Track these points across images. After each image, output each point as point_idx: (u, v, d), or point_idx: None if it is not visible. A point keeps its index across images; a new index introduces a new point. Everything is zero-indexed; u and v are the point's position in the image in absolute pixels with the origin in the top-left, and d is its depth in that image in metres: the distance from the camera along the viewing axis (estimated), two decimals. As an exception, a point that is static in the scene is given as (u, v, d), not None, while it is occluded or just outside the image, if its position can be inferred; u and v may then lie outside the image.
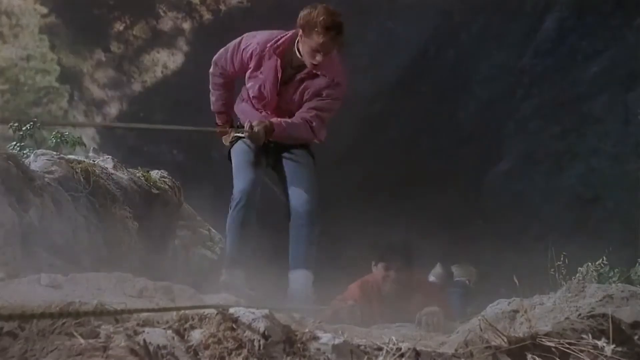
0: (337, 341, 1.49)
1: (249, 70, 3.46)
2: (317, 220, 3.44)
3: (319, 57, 3.25)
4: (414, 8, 12.27)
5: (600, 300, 2.17)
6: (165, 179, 4.59)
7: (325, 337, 1.50)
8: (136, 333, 1.40)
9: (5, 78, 12.23)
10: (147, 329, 1.42)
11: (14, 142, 3.77)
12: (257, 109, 3.52)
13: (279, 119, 3.37)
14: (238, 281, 3.32)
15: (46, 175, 3.24)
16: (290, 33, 3.37)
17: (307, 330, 1.55)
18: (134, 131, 12.94)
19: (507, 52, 11.41)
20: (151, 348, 1.36)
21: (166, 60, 13.64)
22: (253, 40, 3.44)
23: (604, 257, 2.83)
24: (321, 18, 3.15)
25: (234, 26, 13.17)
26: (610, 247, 3.03)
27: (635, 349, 1.61)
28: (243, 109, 3.61)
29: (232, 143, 3.59)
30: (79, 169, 3.51)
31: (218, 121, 3.80)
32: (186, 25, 13.74)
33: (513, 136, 11.00)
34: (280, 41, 3.36)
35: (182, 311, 1.51)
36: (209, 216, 5.59)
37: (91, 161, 3.87)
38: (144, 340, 1.37)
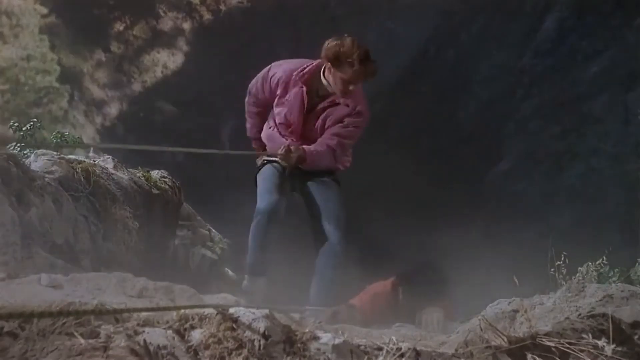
0: (337, 341, 1.49)
1: (277, 97, 3.57)
2: (344, 258, 3.53)
3: (352, 87, 3.39)
4: (414, 8, 12.29)
5: (600, 300, 2.17)
6: (165, 179, 4.59)
7: (325, 337, 1.50)
8: (136, 333, 1.40)
9: (6, 78, 12.22)
10: (147, 329, 1.42)
11: (15, 142, 3.77)
12: (283, 136, 3.60)
13: (310, 147, 3.45)
14: (259, 288, 3.42)
15: (46, 175, 3.24)
16: (316, 62, 3.47)
17: (307, 330, 1.55)
18: (134, 132, 12.95)
19: (507, 52, 11.42)
20: (151, 348, 1.36)
21: (166, 60, 13.64)
22: (280, 68, 3.57)
23: (604, 257, 2.83)
24: (356, 52, 3.28)
25: (234, 26, 13.20)
26: (610, 247, 3.03)
27: (635, 348, 1.61)
28: (270, 135, 3.70)
29: (261, 165, 3.69)
30: (79, 169, 3.51)
31: (254, 145, 3.91)
32: (186, 25, 13.75)
33: (513, 136, 11.01)
34: (307, 70, 3.47)
35: (182, 311, 1.51)
36: (209, 216, 5.59)
37: (91, 161, 3.87)
38: (144, 340, 1.37)
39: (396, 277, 3.83)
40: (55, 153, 3.63)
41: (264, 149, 3.77)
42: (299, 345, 1.46)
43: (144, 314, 1.51)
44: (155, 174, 4.56)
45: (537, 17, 11.21)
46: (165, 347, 1.38)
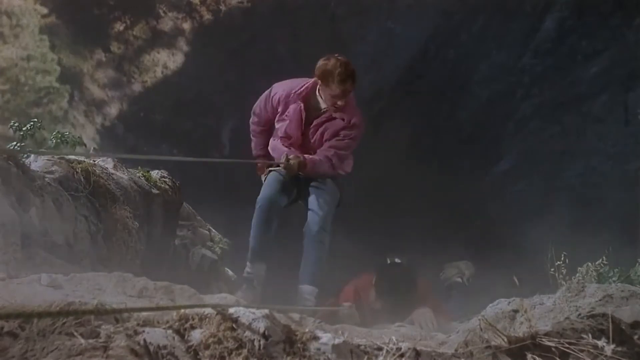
0: (337, 341, 1.49)
1: (278, 114, 3.97)
2: (326, 238, 3.80)
3: (340, 102, 3.74)
4: (414, 8, 12.27)
5: (600, 300, 2.17)
6: (165, 179, 4.59)
7: (325, 337, 1.50)
8: (136, 333, 1.40)
9: (6, 78, 12.21)
10: (147, 329, 1.42)
11: (14, 142, 3.77)
12: (285, 147, 3.98)
13: (310, 156, 3.82)
14: (259, 273, 3.73)
15: (46, 175, 3.24)
16: (312, 80, 3.83)
17: (307, 330, 1.54)
18: (134, 132, 12.95)
19: (507, 52, 11.41)
20: (151, 348, 1.36)
21: (166, 60, 13.63)
22: (280, 87, 3.97)
23: (604, 257, 2.83)
24: (337, 71, 3.62)
25: (234, 26, 13.19)
26: (610, 247, 3.03)
27: (635, 349, 1.61)
28: (274, 146, 4.08)
29: (266, 176, 4.07)
30: (79, 169, 3.51)
31: (258, 163, 4.28)
32: (186, 25, 13.74)
33: (513, 136, 11.00)
34: (303, 87, 3.85)
35: (182, 311, 1.51)
36: (209, 216, 5.58)
37: (91, 161, 3.87)
38: (144, 340, 1.37)
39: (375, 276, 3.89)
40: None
41: (269, 164, 4.11)
42: (299, 345, 1.46)
43: (144, 314, 1.51)
44: (155, 173, 4.56)
45: (537, 17, 11.19)
46: (165, 347, 1.38)
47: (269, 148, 4.13)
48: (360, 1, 12.81)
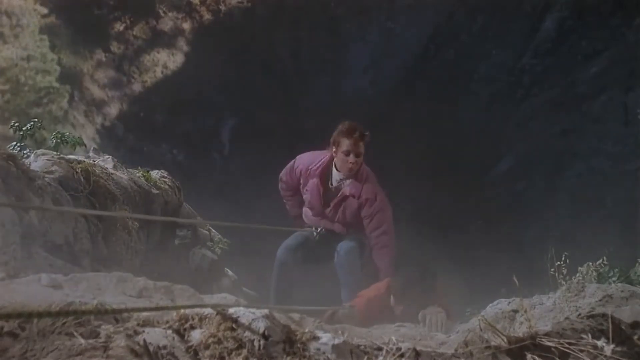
0: (337, 341, 1.49)
1: (301, 185, 4.40)
2: (354, 262, 4.20)
3: (351, 158, 4.05)
4: (414, 8, 12.27)
5: (600, 300, 2.17)
6: (165, 179, 4.59)
7: (325, 337, 1.50)
8: (136, 333, 1.40)
9: (6, 78, 12.20)
10: (147, 329, 1.42)
11: (14, 142, 3.77)
12: (315, 216, 4.41)
13: (383, 272, 4.08)
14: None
15: (46, 175, 3.24)
16: (328, 156, 4.22)
17: (307, 330, 1.54)
18: (134, 132, 12.95)
19: (507, 52, 11.41)
20: (151, 348, 1.36)
21: (166, 60, 13.62)
22: (301, 161, 4.40)
23: (604, 257, 2.83)
24: (345, 127, 4.05)
25: (234, 26, 13.19)
26: (610, 247, 3.03)
27: (635, 349, 1.61)
28: (306, 213, 4.53)
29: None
30: (79, 169, 3.51)
31: (295, 223, 4.71)
32: (186, 25, 13.73)
33: (513, 136, 11.00)
34: (319, 163, 4.26)
35: (182, 311, 1.51)
36: (209, 216, 5.58)
37: (91, 161, 3.87)
38: (144, 340, 1.37)
39: (390, 280, 3.83)
40: (55, 153, 3.62)
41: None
42: (298, 345, 1.46)
43: (144, 314, 1.51)
44: (155, 174, 4.56)
45: (537, 17, 11.20)
46: (165, 347, 1.38)
47: (302, 215, 4.55)
48: (360, 1, 12.80)
